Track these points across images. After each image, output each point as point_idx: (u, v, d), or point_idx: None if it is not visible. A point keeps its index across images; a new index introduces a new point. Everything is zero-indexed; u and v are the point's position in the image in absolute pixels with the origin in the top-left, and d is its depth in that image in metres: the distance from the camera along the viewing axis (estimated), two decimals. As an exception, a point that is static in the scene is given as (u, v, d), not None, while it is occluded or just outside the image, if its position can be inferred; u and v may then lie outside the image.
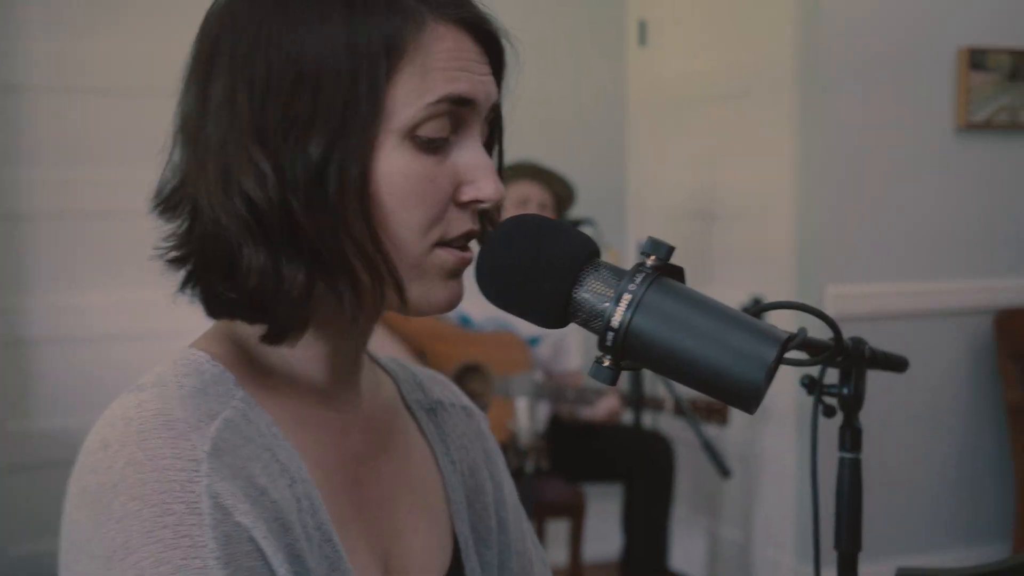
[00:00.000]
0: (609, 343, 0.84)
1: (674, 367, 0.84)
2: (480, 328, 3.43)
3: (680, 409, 3.25)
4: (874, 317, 3.50)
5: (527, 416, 2.98)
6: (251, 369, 0.91)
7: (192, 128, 0.87)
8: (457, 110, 0.87)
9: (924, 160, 3.63)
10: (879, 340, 3.84)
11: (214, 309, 0.89)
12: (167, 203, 0.89)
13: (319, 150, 0.82)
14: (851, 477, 1.25)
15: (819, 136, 3.50)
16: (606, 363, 0.85)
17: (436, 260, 0.88)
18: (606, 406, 3.35)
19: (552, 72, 4.31)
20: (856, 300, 3.51)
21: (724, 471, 3.11)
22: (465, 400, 1.15)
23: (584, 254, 0.86)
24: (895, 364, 1.31)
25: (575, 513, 3.57)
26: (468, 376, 3.42)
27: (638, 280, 0.84)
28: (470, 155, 0.88)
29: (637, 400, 3.20)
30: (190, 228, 0.87)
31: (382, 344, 3.30)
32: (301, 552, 0.83)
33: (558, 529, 4.01)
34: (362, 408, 0.99)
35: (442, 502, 1.05)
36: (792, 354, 1.04)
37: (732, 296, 3.80)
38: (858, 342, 1.21)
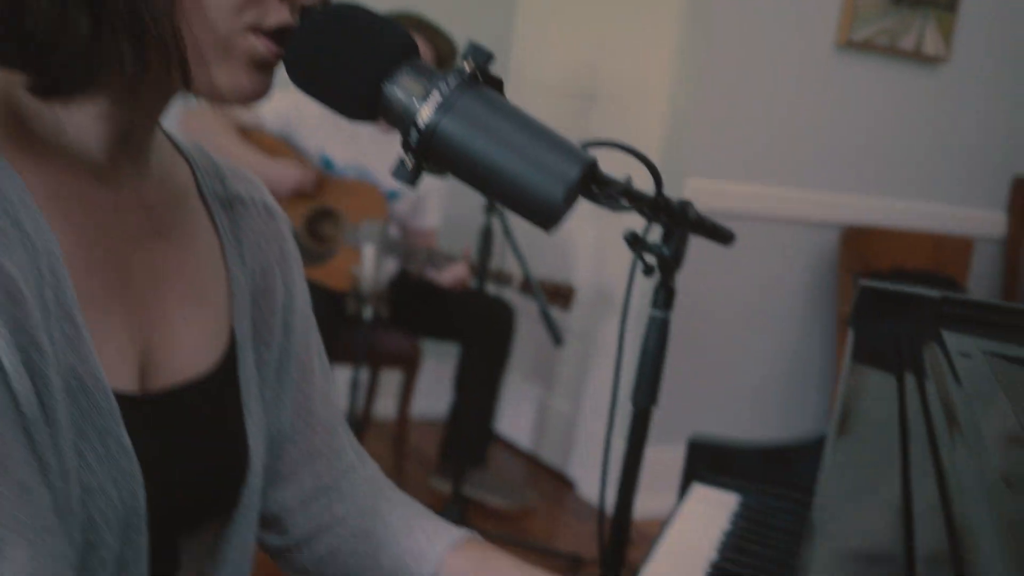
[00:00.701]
0: (413, 143, 0.83)
1: (478, 175, 0.84)
2: (341, 174, 3.38)
3: (527, 285, 3.28)
4: (729, 215, 3.56)
5: (372, 264, 2.98)
6: (16, 133, 0.86)
7: None
8: None
9: (800, 70, 3.68)
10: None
11: None
12: None
13: None
14: (658, 335, 1.28)
15: (701, 30, 3.51)
16: (408, 164, 0.84)
17: (246, 45, 0.85)
18: (453, 273, 3.36)
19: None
20: (714, 195, 3.57)
21: (557, 338, 3.16)
22: (269, 199, 1.11)
23: (399, 47, 0.85)
24: (720, 235, 1.34)
25: (409, 365, 3.60)
26: (320, 219, 3.38)
27: (451, 82, 0.83)
28: None
29: (483, 270, 3.22)
30: None
31: (236, 148, 3.24)
32: (32, 328, 0.79)
33: (391, 380, 4.05)
34: (145, 189, 0.95)
35: (223, 296, 1.02)
36: (616, 203, 1.06)
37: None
38: (684, 204, 1.23)
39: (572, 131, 4.06)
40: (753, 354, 3.86)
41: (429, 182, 3.48)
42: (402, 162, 0.85)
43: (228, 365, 1.01)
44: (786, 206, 3.76)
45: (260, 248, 1.08)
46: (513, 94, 4.01)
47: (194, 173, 1.04)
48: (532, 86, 4.35)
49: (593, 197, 1.00)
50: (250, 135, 3.34)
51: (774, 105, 3.66)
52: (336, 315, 3.21)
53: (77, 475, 0.82)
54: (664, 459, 2.85)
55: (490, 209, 3.18)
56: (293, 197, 3.30)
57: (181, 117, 3.30)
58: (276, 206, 1.12)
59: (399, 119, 0.84)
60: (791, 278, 3.85)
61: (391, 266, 3.47)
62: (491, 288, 3.46)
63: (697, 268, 3.58)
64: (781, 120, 3.68)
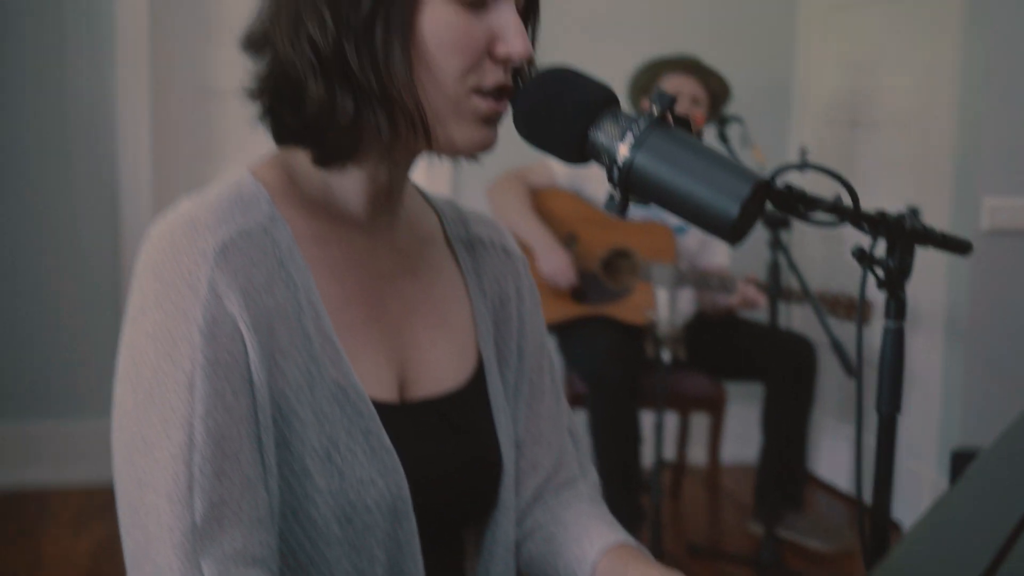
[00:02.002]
0: (615, 178, 0.98)
1: (668, 199, 0.97)
2: (630, 216, 3.53)
3: (810, 302, 3.27)
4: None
5: (667, 306, 3.08)
6: (291, 193, 1.08)
7: None
8: None
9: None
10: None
11: (280, 135, 1.06)
12: (253, 45, 1.05)
13: (370, 2, 0.97)
14: (893, 344, 1.31)
15: (985, 41, 3.39)
16: (616, 196, 0.98)
17: (472, 105, 1.02)
18: (743, 293, 3.41)
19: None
20: (1014, 213, 3.42)
21: (849, 369, 3.12)
22: (508, 242, 1.29)
23: (600, 100, 1.00)
24: (953, 244, 1.35)
25: (715, 408, 3.66)
26: (617, 260, 3.55)
27: (642, 124, 0.97)
28: (504, 16, 1.02)
29: (774, 306, 3.25)
30: (269, 66, 1.03)
31: (527, 224, 3.47)
32: (280, 352, 1.00)
33: (700, 424, 4.11)
34: (396, 235, 1.14)
35: (468, 325, 1.20)
36: (823, 218, 1.13)
37: (887, 205, 3.74)
38: (903, 216, 1.26)
39: (854, 158, 4.01)
40: None
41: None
42: (611, 196, 0.99)
43: (477, 382, 1.18)
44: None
45: (498, 283, 1.25)
46: (796, 123, 4.03)
47: (441, 221, 1.24)
48: (813, 114, 4.35)
49: (800, 215, 1.08)
50: (544, 195, 3.56)
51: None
52: (636, 355, 3.34)
53: (352, 469, 1.03)
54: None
55: (775, 245, 3.21)
56: (589, 241, 3.50)
57: (486, 187, 3.58)
58: (514, 248, 1.30)
59: (604, 159, 1.00)
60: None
61: (687, 304, 3.57)
62: (786, 313, 3.46)
63: (998, 285, 3.44)
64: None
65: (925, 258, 3.67)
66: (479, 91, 1.02)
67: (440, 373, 1.15)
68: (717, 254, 3.66)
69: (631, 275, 3.54)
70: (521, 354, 1.26)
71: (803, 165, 1.13)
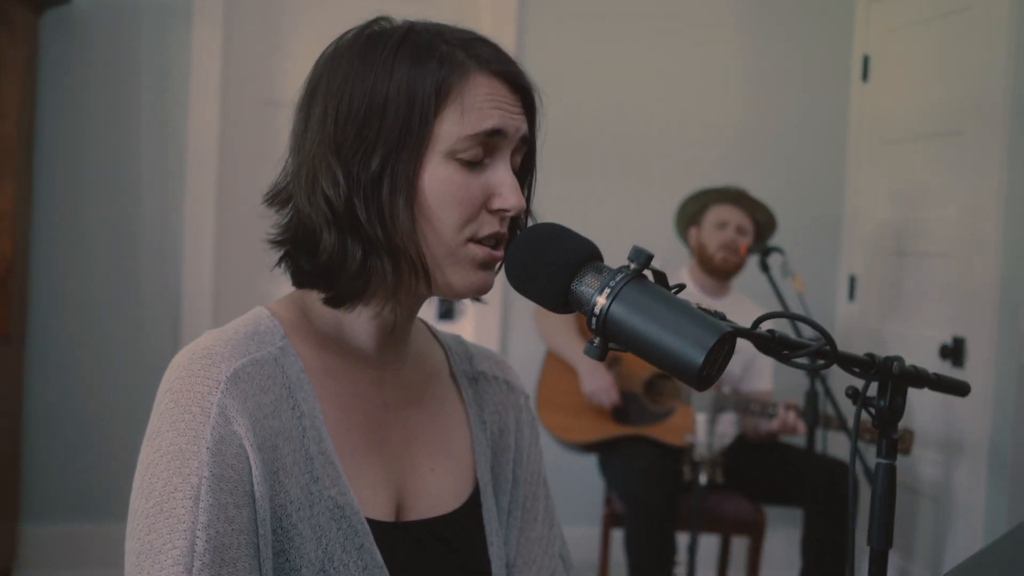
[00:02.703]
0: (593, 326, 1.05)
1: (641, 346, 1.04)
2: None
3: (844, 430, 3.30)
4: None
5: (705, 430, 3.12)
6: (304, 329, 1.19)
7: (297, 142, 1.16)
8: (489, 139, 1.11)
9: None
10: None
11: (298, 279, 1.18)
12: (276, 199, 1.18)
13: (378, 163, 1.09)
14: (884, 481, 1.36)
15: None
16: (595, 342, 1.06)
17: (469, 252, 1.13)
18: (782, 419, 3.44)
19: (777, 104, 4.43)
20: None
21: (883, 499, 3.12)
22: (511, 377, 1.39)
23: (581, 257, 1.08)
24: (949, 386, 1.41)
25: (755, 531, 3.65)
26: (659, 382, 3.62)
27: (618, 278, 1.05)
28: (499, 174, 1.13)
29: (812, 432, 3.28)
30: (289, 218, 1.15)
31: (571, 346, 3.56)
32: (283, 470, 1.10)
33: (740, 547, 4.11)
34: (402, 369, 1.24)
35: (467, 452, 1.29)
36: (808, 363, 1.20)
37: (932, 335, 3.80)
38: (891, 359, 1.33)
39: (902, 288, 4.03)
40: None
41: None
42: (591, 342, 1.07)
43: (472, 505, 1.27)
44: None
45: (499, 414, 1.35)
46: (846, 253, 4.08)
47: (447, 356, 1.34)
48: (863, 244, 4.41)
49: (782, 358, 1.15)
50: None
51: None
52: (675, 477, 3.38)
53: None
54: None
55: (812, 375, 3.25)
56: (632, 364, 3.57)
57: (533, 310, 3.69)
58: (518, 383, 1.39)
59: (584, 308, 1.08)
60: None
61: (729, 428, 3.61)
62: (829, 440, 3.48)
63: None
64: None
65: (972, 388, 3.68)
66: (475, 240, 1.12)
67: (437, 496, 1.23)
68: (762, 380, 3.70)
69: (673, 397, 3.60)
70: (516, 481, 1.34)
71: (778, 315, 1.21)
